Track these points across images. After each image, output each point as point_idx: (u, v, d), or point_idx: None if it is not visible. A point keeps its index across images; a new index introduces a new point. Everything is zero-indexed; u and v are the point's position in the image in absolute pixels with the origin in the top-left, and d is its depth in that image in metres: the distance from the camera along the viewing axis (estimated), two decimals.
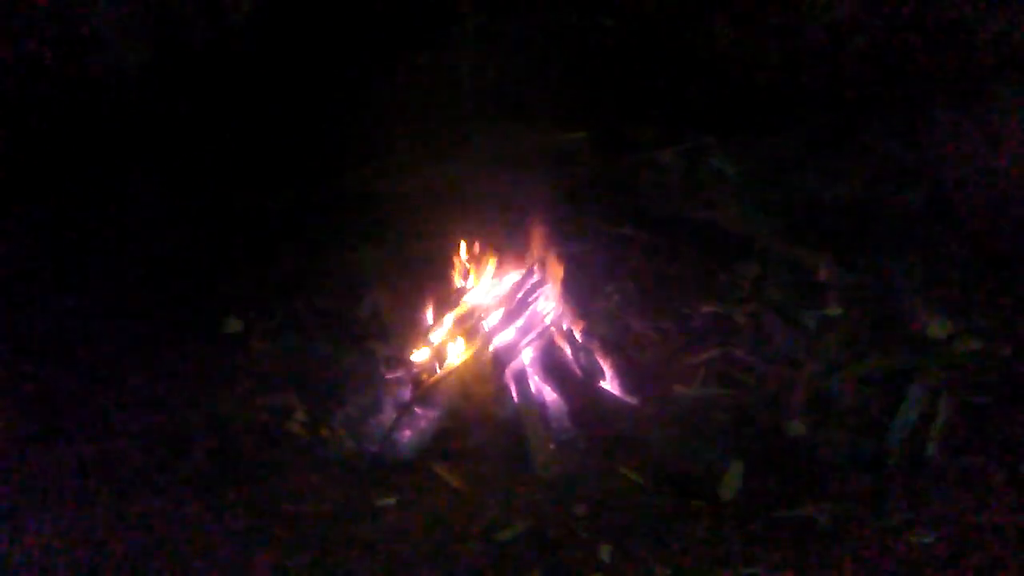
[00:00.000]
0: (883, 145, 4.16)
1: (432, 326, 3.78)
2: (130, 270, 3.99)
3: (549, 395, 3.61)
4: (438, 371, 3.63)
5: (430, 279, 3.90)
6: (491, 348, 3.65)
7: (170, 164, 4.23)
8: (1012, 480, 3.00)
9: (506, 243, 3.91)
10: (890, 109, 4.20)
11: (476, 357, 3.61)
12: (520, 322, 3.74)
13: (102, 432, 3.41)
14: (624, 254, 4.00)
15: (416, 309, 3.84)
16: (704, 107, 4.47)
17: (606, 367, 3.66)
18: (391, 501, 3.15)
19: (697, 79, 4.54)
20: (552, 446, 3.37)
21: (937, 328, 3.51)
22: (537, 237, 3.88)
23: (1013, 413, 3.22)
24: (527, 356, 3.70)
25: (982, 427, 3.20)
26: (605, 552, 2.87)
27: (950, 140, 4.00)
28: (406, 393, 3.58)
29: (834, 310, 3.64)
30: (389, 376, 3.64)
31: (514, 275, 3.88)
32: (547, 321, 3.78)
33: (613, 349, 3.69)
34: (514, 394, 3.54)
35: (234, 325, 3.83)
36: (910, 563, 2.77)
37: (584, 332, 3.76)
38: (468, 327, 3.71)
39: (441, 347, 3.70)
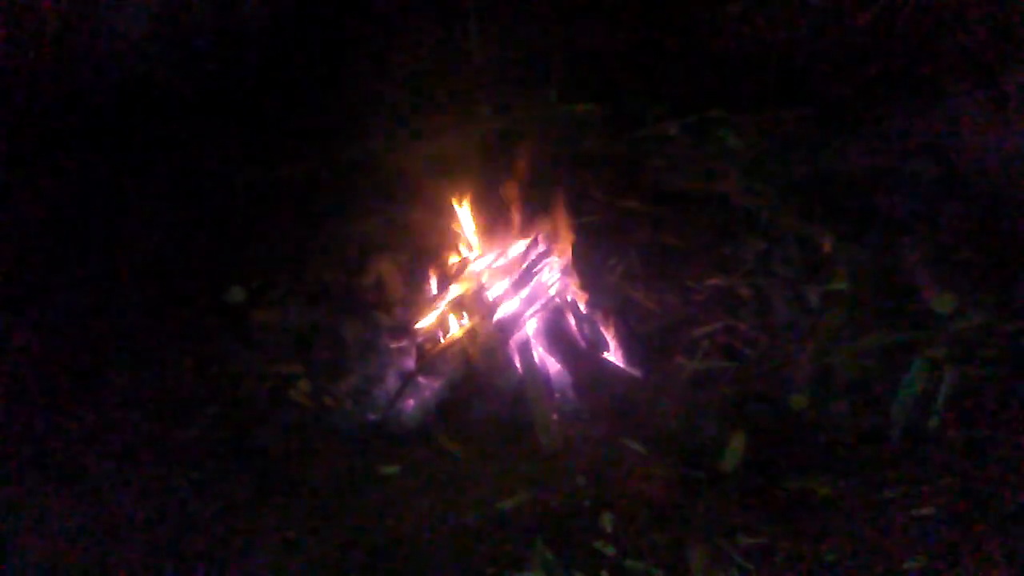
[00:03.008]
0: (892, 120, 4.13)
1: (436, 296, 3.78)
2: (135, 240, 3.99)
3: (553, 366, 3.62)
4: (442, 341, 3.64)
5: (435, 249, 3.89)
6: (495, 318, 3.65)
7: (175, 134, 4.21)
8: (1013, 455, 3.00)
9: (512, 214, 3.90)
10: (900, 83, 4.17)
11: (480, 327, 3.61)
12: (525, 293, 3.74)
13: (105, 401, 3.42)
14: (630, 226, 3.99)
15: (420, 279, 3.84)
16: (712, 80, 4.43)
17: (610, 338, 3.66)
18: (394, 470, 3.17)
19: (706, 52, 4.50)
20: (555, 416, 3.38)
21: (942, 303, 3.50)
22: (543, 208, 3.87)
23: (1016, 388, 3.22)
24: (531, 327, 3.70)
25: (985, 401, 3.20)
26: (607, 521, 2.89)
27: (960, 115, 3.97)
28: (410, 363, 3.58)
29: (839, 284, 3.63)
30: (393, 345, 3.65)
31: (519, 246, 3.87)
32: (552, 292, 3.78)
33: (617, 320, 3.69)
34: (518, 364, 3.55)
35: (238, 294, 3.83)
36: (910, 536, 2.78)
37: (588, 303, 3.76)
38: (472, 297, 3.71)
39: (445, 317, 3.70)
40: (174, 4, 4.35)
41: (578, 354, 3.62)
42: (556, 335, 3.67)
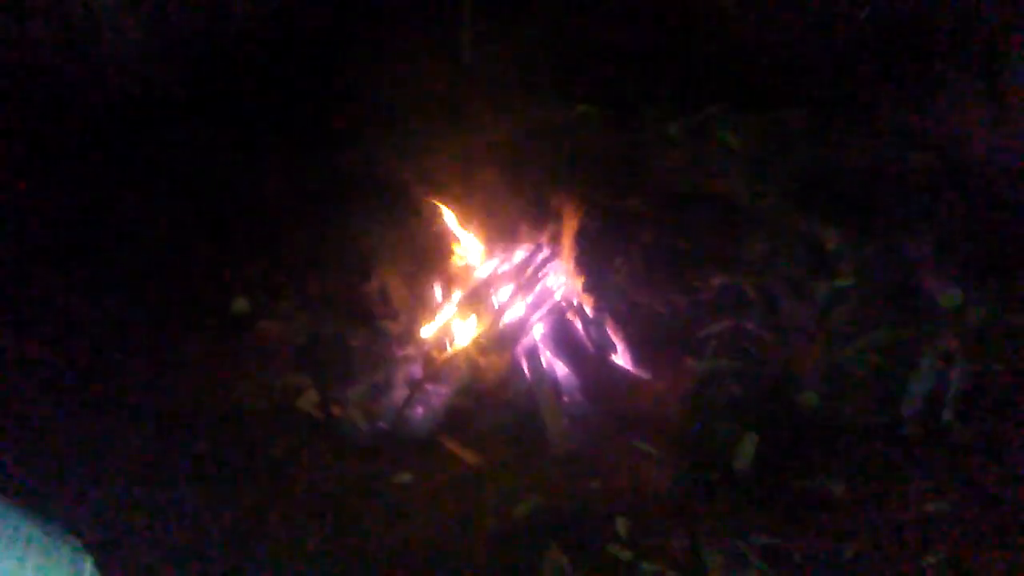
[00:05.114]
0: (892, 113, 4.13)
1: (442, 303, 3.77)
2: (138, 253, 3.97)
3: (561, 370, 3.61)
4: (449, 348, 3.63)
5: (439, 256, 3.88)
6: (502, 324, 3.64)
7: (176, 145, 4.20)
8: None
9: (515, 218, 3.89)
10: (899, 76, 4.16)
11: (487, 333, 3.60)
12: (530, 298, 3.73)
13: (112, 415, 3.40)
14: (633, 228, 3.97)
15: (425, 286, 3.82)
16: (710, 79, 4.42)
17: (617, 341, 3.65)
18: (406, 478, 3.16)
19: (703, 51, 4.49)
20: (565, 421, 3.37)
21: (948, 297, 3.50)
22: (546, 212, 3.86)
23: None
24: (538, 331, 3.69)
25: (995, 394, 3.20)
26: (621, 525, 2.88)
27: (961, 107, 3.97)
28: (417, 370, 3.57)
29: (845, 281, 3.62)
30: (400, 354, 3.63)
31: (523, 250, 3.86)
32: (557, 296, 3.78)
33: (624, 323, 3.68)
34: (526, 370, 3.54)
35: (242, 306, 3.81)
36: (927, 531, 2.78)
37: (595, 306, 3.75)
38: (478, 303, 3.70)
39: (451, 324, 3.69)
40: (173, 14, 4.34)
41: (586, 358, 3.62)
42: (563, 339, 3.66)
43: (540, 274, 3.77)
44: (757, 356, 3.53)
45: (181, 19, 4.45)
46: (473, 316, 3.68)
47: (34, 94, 4.27)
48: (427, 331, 3.69)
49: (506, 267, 3.84)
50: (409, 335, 3.68)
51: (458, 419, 3.40)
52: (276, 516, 3.00)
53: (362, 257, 3.92)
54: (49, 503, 2.90)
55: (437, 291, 3.81)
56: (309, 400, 3.48)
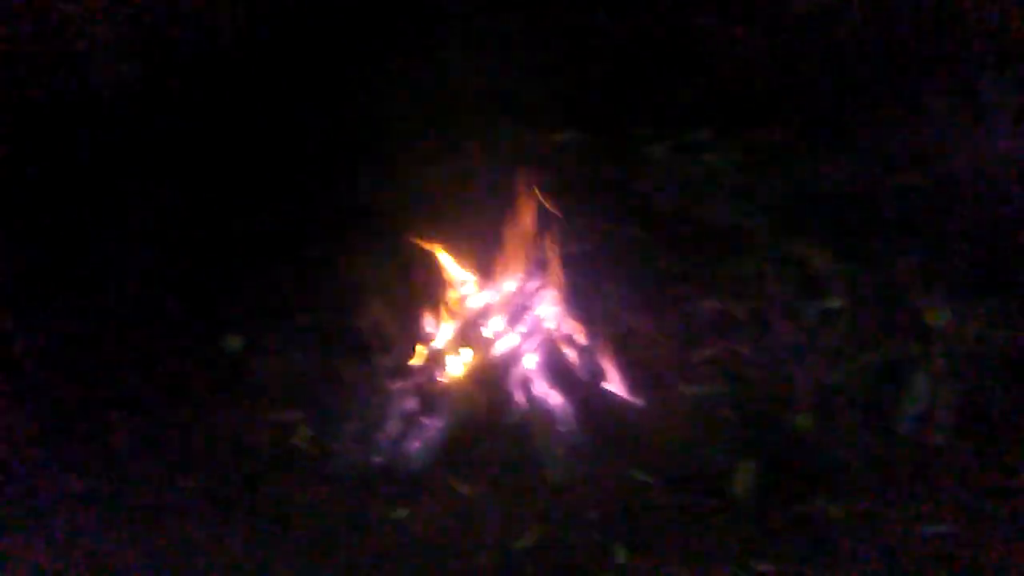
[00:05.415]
0: (877, 133, 4.16)
1: (433, 335, 3.76)
2: (127, 292, 3.96)
3: (555, 399, 3.60)
4: (442, 380, 3.62)
5: (429, 287, 3.88)
6: (494, 354, 3.63)
7: (163, 182, 4.20)
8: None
9: (503, 247, 3.89)
10: (884, 96, 4.20)
11: (479, 364, 3.59)
12: (522, 327, 3.73)
13: (105, 454, 3.38)
14: (622, 253, 3.99)
15: (416, 319, 3.81)
16: (695, 101, 4.45)
17: (610, 368, 3.65)
18: (402, 513, 3.14)
19: (686, 73, 4.52)
20: (561, 450, 3.36)
21: (937, 316, 3.52)
22: (534, 240, 3.86)
23: (1019, 396, 3.23)
24: (531, 361, 3.68)
25: (989, 412, 3.21)
26: (621, 554, 2.87)
27: (945, 127, 4.01)
28: (411, 404, 3.56)
29: (834, 302, 3.64)
30: (393, 387, 3.62)
31: (513, 280, 3.86)
32: (549, 325, 3.77)
33: (616, 350, 3.68)
34: (520, 400, 3.53)
35: (235, 343, 3.80)
36: (925, 553, 2.78)
37: (586, 334, 3.75)
38: (469, 334, 3.70)
39: (444, 356, 3.68)
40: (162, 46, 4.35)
41: (579, 386, 3.61)
42: (556, 368, 3.66)
43: (531, 303, 3.77)
44: (750, 380, 3.53)
45: (174, 50, 4.46)
46: (465, 347, 3.67)
47: (31, 126, 4.26)
48: (419, 364, 3.67)
49: (496, 298, 3.83)
50: (402, 368, 3.67)
51: (453, 452, 3.38)
52: (271, 554, 2.97)
53: (352, 291, 3.92)
54: (36, 552, 2.92)
55: (429, 323, 3.81)
56: (303, 436, 3.46)
